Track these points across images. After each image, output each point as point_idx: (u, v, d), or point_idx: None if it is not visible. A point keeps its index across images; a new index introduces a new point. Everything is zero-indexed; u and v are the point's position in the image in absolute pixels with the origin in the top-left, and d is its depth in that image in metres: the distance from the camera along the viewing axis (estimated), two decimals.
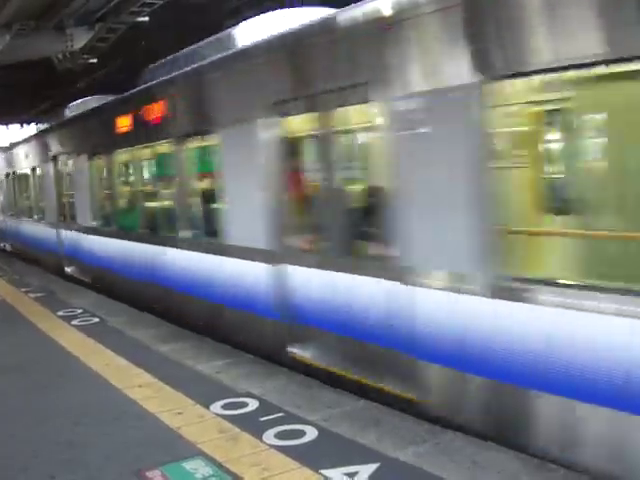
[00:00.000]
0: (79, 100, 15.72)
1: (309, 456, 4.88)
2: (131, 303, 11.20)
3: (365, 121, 6.33)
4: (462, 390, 5.28)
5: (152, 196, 11.05)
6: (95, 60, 18.44)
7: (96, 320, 10.16)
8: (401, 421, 5.53)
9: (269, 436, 5.29)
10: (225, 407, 6.02)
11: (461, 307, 5.11)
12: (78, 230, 14.08)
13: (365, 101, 5.91)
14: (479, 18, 4.81)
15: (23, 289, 13.57)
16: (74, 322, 10.06)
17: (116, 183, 12.41)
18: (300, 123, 6.99)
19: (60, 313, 10.77)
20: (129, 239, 11.51)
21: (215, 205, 8.62)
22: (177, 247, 9.66)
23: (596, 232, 4.70)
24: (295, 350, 7.06)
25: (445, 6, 5.02)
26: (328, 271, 6.52)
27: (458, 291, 5.11)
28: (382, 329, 5.90)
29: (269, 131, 7.16)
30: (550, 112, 5.81)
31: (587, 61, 4.11)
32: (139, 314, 10.55)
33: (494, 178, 4.87)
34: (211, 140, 8.50)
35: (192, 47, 9.72)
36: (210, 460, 4.91)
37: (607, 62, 4.04)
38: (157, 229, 10.69)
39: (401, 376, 5.76)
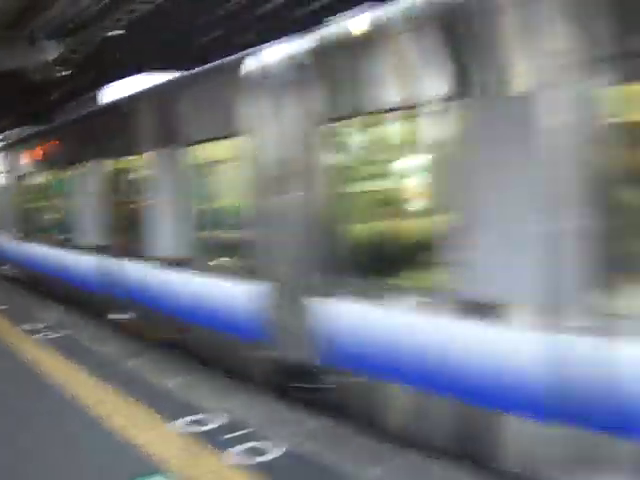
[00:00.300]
0: (9, 131, 18.66)
1: (273, 474, 4.84)
2: (38, 290, 14.39)
3: (147, 163, 9.28)
4: (161, 322, 8.92)
5: (46, 210, 14.64)
6: (69, 72, 18.36)
7: (61, 334, 10.03)
8: (367, 439, 5.52)
9: (233, 453, 5.24)
10: (190, 424, 5.95)
11: (171, 278, 8.57)
12: (10, 237, 17.09)
13: (146, 151, 9.23)
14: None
15: None
16: (38, 336, 9.92)
17: (30, 200, 15.63)
18: (119, 163, 10.51)
19: (24, 327, 10.62)
20: (35, 243, 14.96)
21: (76, 216, 12.18)
22: (58, 247, 13.16)
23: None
24: (116, 316, 10.28)
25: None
26: (118, 258, 10.18)
27: (174, 267, 8.52)
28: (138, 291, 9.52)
29: (103, 167, 10.91)
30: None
31: None
32: (105, 329, 10.44)
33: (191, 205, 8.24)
34: (75, 170, 12.15)
35: (78, 100, 13.31)
36: (173, 478, 4.85)
37: None
38: (48, 235, 14.15)
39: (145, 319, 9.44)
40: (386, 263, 5.70)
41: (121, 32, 15.38)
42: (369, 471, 4.87)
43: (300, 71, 6.19)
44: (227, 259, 7.84)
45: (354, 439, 5.54)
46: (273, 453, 5.21)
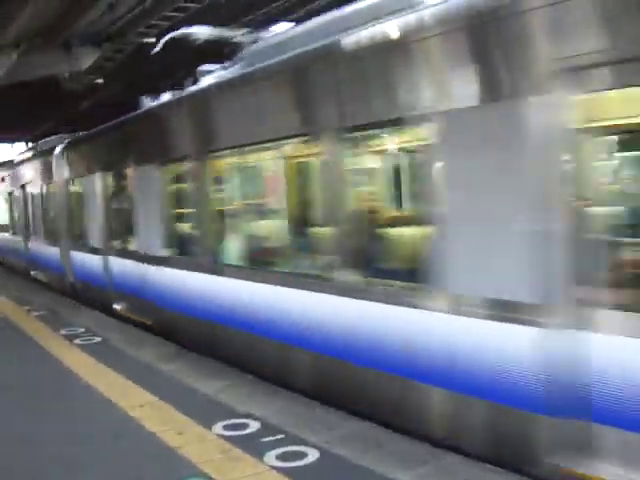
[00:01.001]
0: None
1: (310, 478, 4.88)
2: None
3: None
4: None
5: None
6: (101, 80, 18.59)
7: (98, 339, 10.19)
8: (402, 443, 5.51)
9: (270, 457, 5.27)
10: (226, 428, 6.01)
11: (42, 248, 17.82)
12: None
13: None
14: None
15: (25, 307, 13.60)
16: (76, 341, 10.09)
17: None
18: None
19: (62, 332, 10.80)
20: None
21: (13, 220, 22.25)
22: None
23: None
24: (33, 273, 18.82)
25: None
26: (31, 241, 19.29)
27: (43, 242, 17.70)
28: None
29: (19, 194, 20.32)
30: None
31: None
32: (141, 334, 10.57)
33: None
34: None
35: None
36: None
37: None
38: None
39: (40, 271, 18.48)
40: (82, 233, 13.84)
41: (153, 40, 15.52)
42: (405, 474, 4.87)
43: (63, 155, 15.01)
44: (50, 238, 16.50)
45: (389, 442, 5.55)
46: (310, 457, 5.25)
